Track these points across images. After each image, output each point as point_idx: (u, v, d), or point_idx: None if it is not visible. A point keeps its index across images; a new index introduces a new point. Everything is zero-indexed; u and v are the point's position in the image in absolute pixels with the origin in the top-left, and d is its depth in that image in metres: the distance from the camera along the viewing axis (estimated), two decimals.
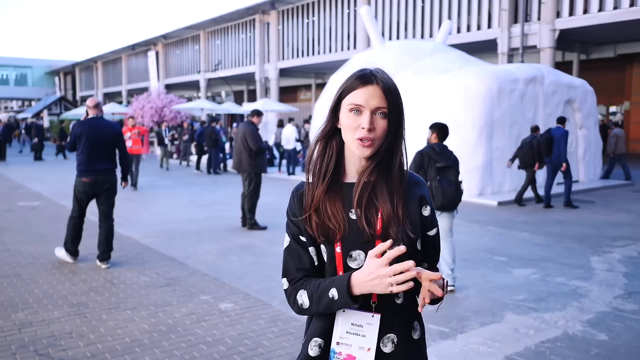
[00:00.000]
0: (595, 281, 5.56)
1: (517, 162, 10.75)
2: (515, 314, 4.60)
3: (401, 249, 1.29)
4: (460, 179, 5.54)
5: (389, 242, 1.31)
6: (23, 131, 33.56)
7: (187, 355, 3.71)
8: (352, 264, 1.44)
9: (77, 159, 5.89)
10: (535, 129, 10.58)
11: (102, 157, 5.87)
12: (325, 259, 1.48)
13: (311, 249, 1.50)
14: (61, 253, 6.18)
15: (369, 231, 1.43)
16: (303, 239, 1.51)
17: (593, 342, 3.99)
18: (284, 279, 1.52)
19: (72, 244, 6.06)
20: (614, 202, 11.03)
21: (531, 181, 10.66)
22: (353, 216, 1.46)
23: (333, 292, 1.38)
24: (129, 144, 12.79)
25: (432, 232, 1.56)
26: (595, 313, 4.62)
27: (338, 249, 1.44)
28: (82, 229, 6.10)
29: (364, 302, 1.43)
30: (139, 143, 13.08)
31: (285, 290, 1.51)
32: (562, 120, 10.56)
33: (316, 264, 1.50)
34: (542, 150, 10.26)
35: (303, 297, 1.45)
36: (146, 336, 4.03)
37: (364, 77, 1.43)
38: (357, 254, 1.44)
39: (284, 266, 1.53)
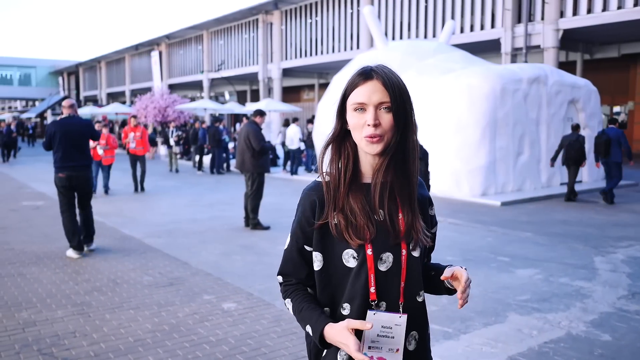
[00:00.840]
0: (599, 282, 5.54)
1: (560, 158, 11.49)
2: (519, 314, 4.59)
3: (367, 325, 1.34)
4: (429, 169, 6.23)
5: (369, 325, 1.34)
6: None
7: (190, 354, 3.71)
8: (382, 267, 1.43)
9: (54, 157, 6.33)
10: (576, 127, 11.13)
11: (76, 154, 6.32)
12: (350, 265, 1.44)
13: (317, 255, 1.48)
14: (69, 252, 6.45)
15: (394, 233, 1.43)
16: (307, 248, 1.50)
17: (597, 343, 3.98)
18: (280, 277, 1.59)
19: (72, 238, 6.34)
20: (617, 202, 11.00)
21: (575, 178, 11.23)
22: (377, 217, 1.45)
23: (308, 329, 1.45)
24: (132, 145, 12.31)
25: (434, 230, 1.61)
26: (599, 314, 4.61)
27: (369, 251, 1.42)
28: (76, 221, 6.41)
29: (389, 304, 1.44)
30: (142, 144, 12.55)
31: (280, 283, 1.60)
32: (614, 120, 11.17)
33: (318, 269, 1.49)
34: (599, 150, 10.84)
35: (289, 305, 1.54)
36: (149, 336, 4.04)
37: (364, 74, 1.43)
38: (387, 256, 1.44)
39: (281, 264, 1.58)
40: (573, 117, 13.24)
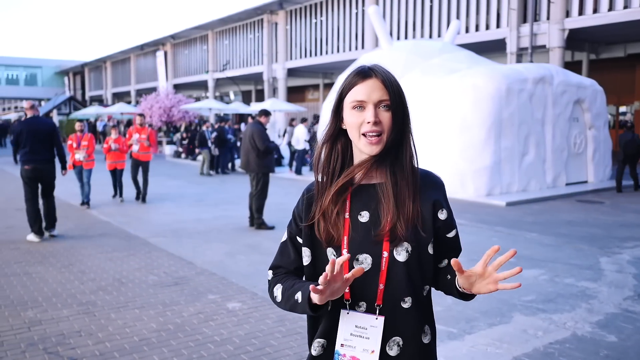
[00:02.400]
0: (605, 282, 5.52)
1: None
2: (524, 315, 4.58)
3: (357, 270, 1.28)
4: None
5: (345, 257, 1.27)
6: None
7: (195, 354, 3.72)
8: None
9: (20, 152, 7.05)
10: (631, 127, 12.83)
11: (40, 149, 7.01)
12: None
13: (305, 250, 1.50)
14: (30, 236, 7.20)
15: (376, 232, 1.41)
16: (299, 240, 1.52)
17: (602, 344, 3.97)
18: (270, 271, 1.58)
19: (34, 224, 7.14)
20: (623, 202, 10.95)
21: (635, 171, 12.51)
22: (362, 219, 1.44)
23: (298, 295, 1.41)
24: (135, 148, 10.71)
25: (451, 234, 1.51)
26: (605, 314, 4.59)
27: (344, 252, 1.42)
28: (38, 209, 7.21)
29: (369, 305, 1.43)
30: (147, 149, 10.91)
31: (268, 280, 1.57)
32: None
33: (307, 263, 1.50)
34: None
35: (277, 292, 1.50)
36: (154, 335, 4.05)
37: (363, 72, 1.42)
38: (364, 257, 1.42)
39: (274, 257, 1.58)
40: (579, 117, 13.19)
